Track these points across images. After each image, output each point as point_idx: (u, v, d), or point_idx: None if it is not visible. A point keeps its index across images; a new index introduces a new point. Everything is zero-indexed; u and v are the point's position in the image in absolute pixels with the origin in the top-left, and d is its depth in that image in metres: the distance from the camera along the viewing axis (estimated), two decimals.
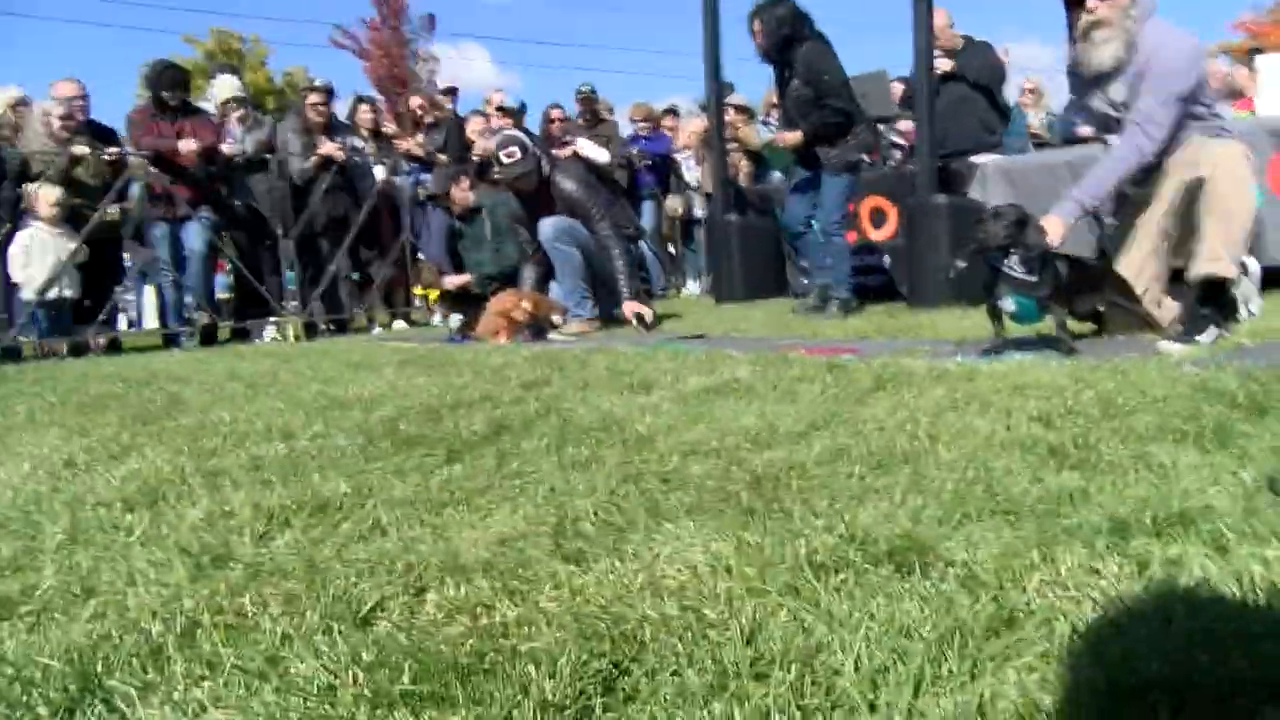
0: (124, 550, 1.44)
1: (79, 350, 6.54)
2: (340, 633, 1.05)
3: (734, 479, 1.63)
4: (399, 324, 7.80)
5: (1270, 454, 1.52)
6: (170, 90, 6.90)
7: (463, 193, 6.09)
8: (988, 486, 1.44)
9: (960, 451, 1.68)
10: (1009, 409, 2.02)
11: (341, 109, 8.22)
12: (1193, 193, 3.11)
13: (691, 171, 9.58)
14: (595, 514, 1.46)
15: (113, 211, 6.75)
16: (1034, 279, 3.16)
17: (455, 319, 5.86)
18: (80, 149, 6.57)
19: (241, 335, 7.32)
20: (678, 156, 9.59)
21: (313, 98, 7.43)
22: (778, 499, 1.48)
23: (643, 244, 8.97)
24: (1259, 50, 10.73)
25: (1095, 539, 1.17)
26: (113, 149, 6.90)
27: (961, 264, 3.51)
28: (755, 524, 1.34)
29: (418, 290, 6.13)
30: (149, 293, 9.55)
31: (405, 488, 1.72)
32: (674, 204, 9.53)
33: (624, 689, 0.88)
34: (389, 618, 1.10)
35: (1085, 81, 3.40)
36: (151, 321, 9.12)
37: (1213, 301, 3.14)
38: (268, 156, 7.15)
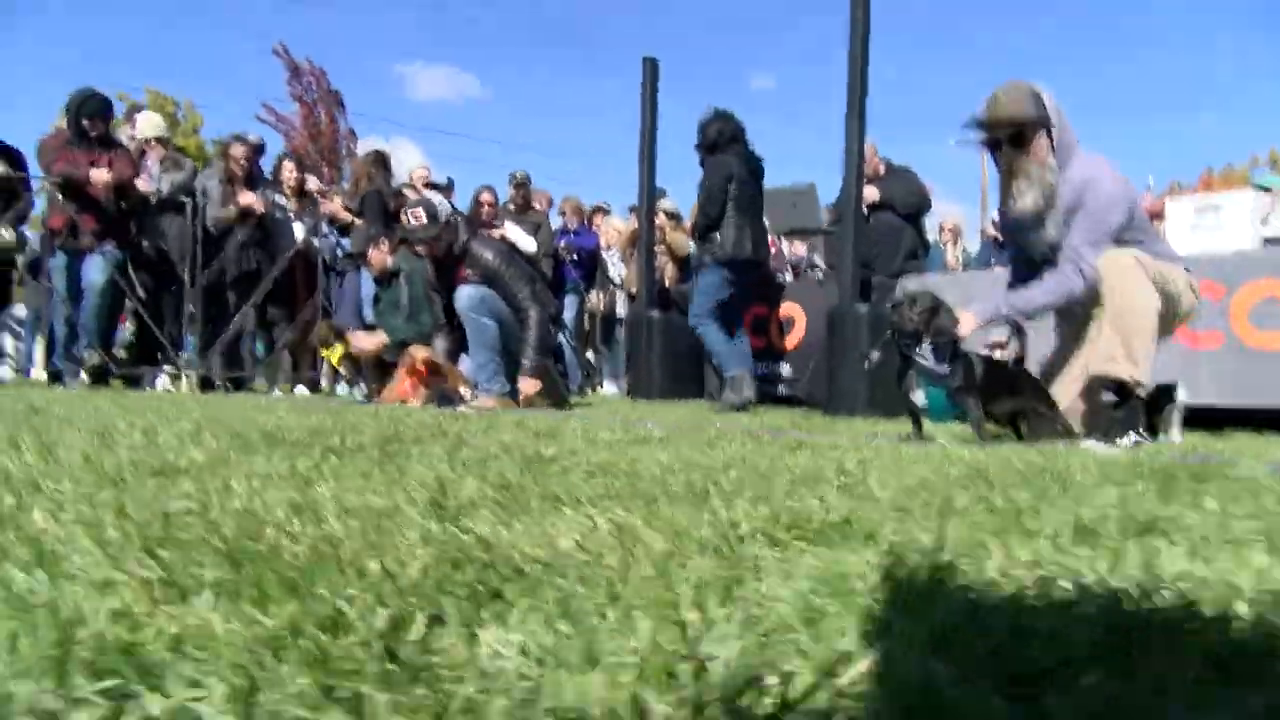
0: None
1: None
2: (140, 538, 0.83)
3: (645, 485, 1.45)
4: (300, 389, 7.47)
5: (1226, 499, 1.41)
6: (90, 119, 6.65)
7: (380, 255, 5.90)
8: (931, 497, 1.28)
9: (898, 480, 1.53)
10: (941, 463, 1.89)
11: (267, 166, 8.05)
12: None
13: (616, 268, 9.58)
14: (483, 496, 1.26)
15: (7, 236, 6.38)
16: (944, 369, 3.11)
17: (358, 390, 5.64)
18: None
19: (132, 382, 6.91)
20: (604, 254, 9.59)
21: (236, 149, 7.23)
22: (695, 498, 1.30)
23: (561, 338, 8.86)
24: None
25: (1058, 537, 1.02)
26: (16, 173, 6.58)
27: (876, 354, 3.44)
28: (669, 507, 1.16)
29: (323, 351, 5.84)
30: (39, 344, 9.03)
31: (269, 466, 1.49)
32: (597, 300, 9.49)
33: (491, 607, 0.68)
34: (206, 536, 0.87)
35: (1013, 224, 3.43)
36: (38, 368, 8.61)
37: (1128, 405, 3.10)
38: (183, 200, 6.88)
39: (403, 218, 5.72)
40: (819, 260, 8.18)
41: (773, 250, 8.88)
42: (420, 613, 0.61)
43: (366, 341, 5.70)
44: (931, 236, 9.05)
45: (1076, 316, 3.32)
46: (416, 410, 3.84)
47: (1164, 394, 3.51)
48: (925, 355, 3.16)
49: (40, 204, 6.84)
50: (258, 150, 7.63)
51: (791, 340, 6.51)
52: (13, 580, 0.69)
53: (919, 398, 3.23)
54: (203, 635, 0.55)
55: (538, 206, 9.30)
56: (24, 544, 0.82)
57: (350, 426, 2.59)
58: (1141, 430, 3.06)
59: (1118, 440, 2.96)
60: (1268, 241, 4.84)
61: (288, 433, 2.24)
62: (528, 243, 8.53)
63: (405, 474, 1.50)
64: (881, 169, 7.10)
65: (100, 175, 6.39)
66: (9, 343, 10.56)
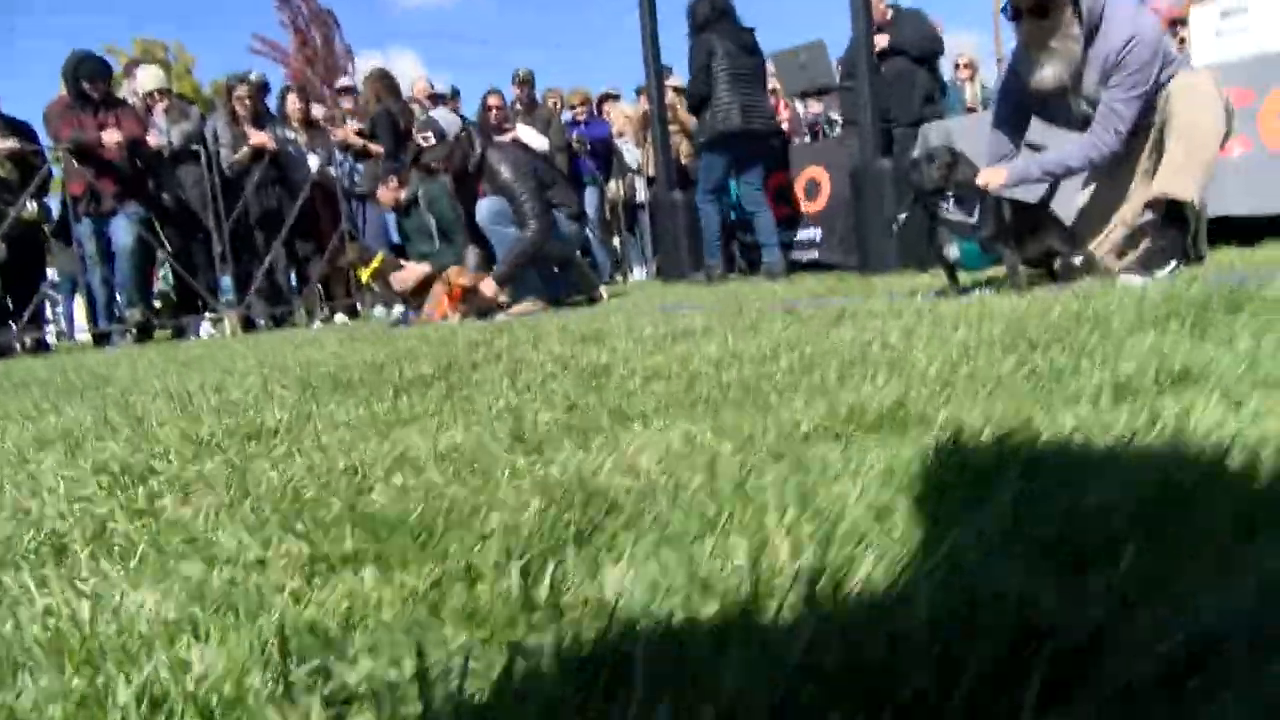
0: (34, 474, 1.29)
1: (2, 352, 6.26)
2: (273, 513, 0.93)
3: (702, 388, 1.53)
4: (340, 317, 7.60)
5: (1258, 332, 1.46)
6: (90, 81, 6.63)
7: (389, 192, 5.89)
8: (973, 371, 1.35)
9: (939, 349, 1.60)
10: (980, 322, 1.95)
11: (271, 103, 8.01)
12: (1161, 129, 3.11)
13: (631, 154, 9.50)
14: (555, 422, 1.35)
15: (30, 209, 6.46)
16: (972, 220, 3.13)
17: (395, 311, 5.73)
18: None
19: (178, 333, 7.07)
20: (617, 142, 9.50)
21: (240, 89, 7.19)
22: (753, 398, 1.38)
23: (587, 230, 8.87)
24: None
25: (1099, 398, 1.09)
26: (29, 146, 6.62)
27: (902, 215, 3.46)
28: (731, 413, 1.24)
29: (356, 271, 5.88)
30: (79, 304, 9.22)
31: (348, 414, 1.59)
32: (616, 188, 9.45)
33: (599, 541, 0.77)
34: (328, 501, 0.97)
35: (1033, 94, 3.37)
36: (83, 332, 8.81)
37: (1173, 228, 3.11)
38: (196, 149, 6.90)
39: (413, 139, 5.73)
40: (836, 116, 8.00)
41: (785, 114, 8.76)
42: (546, 558, 0.70)
43: (410, 275, 5.74)
44: (947, 76, 8.85)
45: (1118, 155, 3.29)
46: (460, 328, 3.92)
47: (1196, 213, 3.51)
48: (951, 210, 3.18)
49: (57, 171, 6.88)
50: (261, 88, 7.58)
51: (819, 203, 6.47)
52: (180, 570, 0.78)
53: (952, 251, 3.26)
54: (367, 606, 0.64)
55: (548, 103, 9.19)
56: (172, 532, 0.92)
57: (406, 356, 2.69)
58: (1180, 257, 3.07)
59: (1156, 272, 2.98)
60: None
61: (349, 372, 2.35)
62: (539, 141, 8.46)
63: (474, 405, 1.59)
64: (889, 14, 6.90)
65: (111, 136, 6.41)
66: (48, 310, 10.78)
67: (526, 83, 9.01)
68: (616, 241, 9.94)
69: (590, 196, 9.28)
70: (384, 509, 0.89)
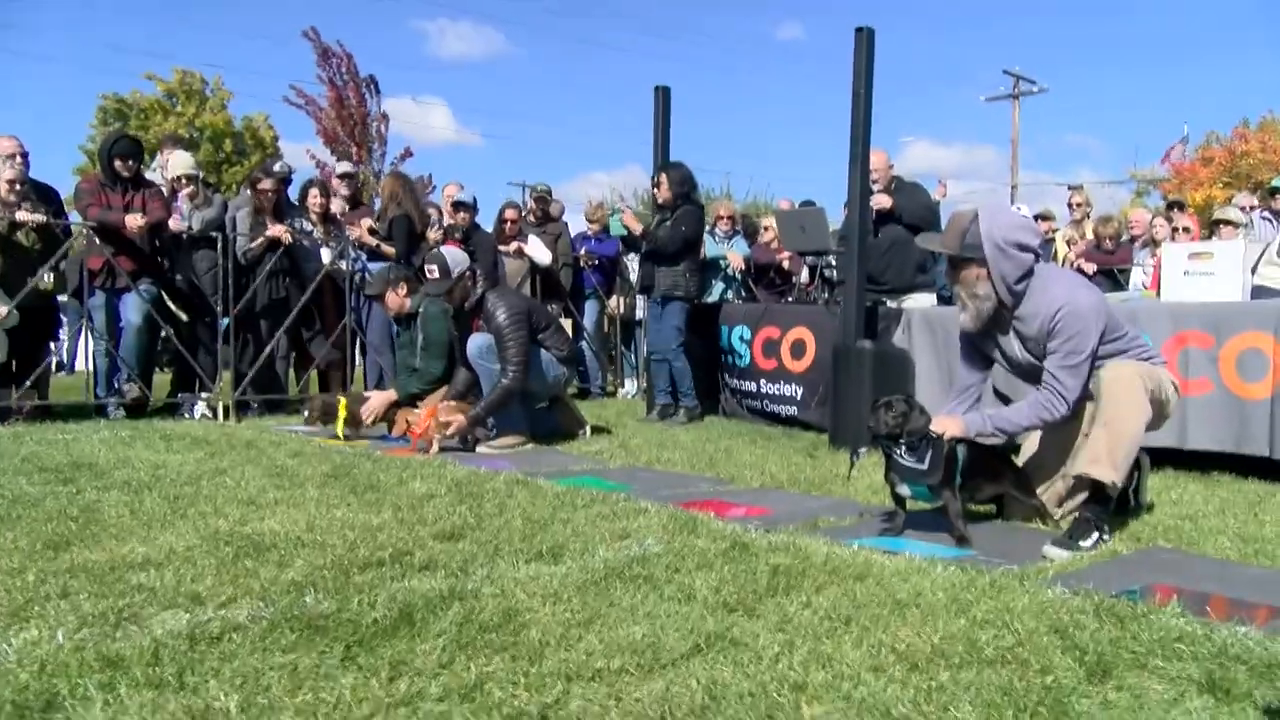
0: None
1: (2, 415, 6.45)
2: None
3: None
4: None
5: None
6: (123, 160, 6.94)
7: (398, 298, 6.14)
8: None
9: (822, 708, 1.80)
10: (880, 644, 2.15)
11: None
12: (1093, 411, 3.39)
13: (636, 273, 9.79)
14: None
15: (47, 281, 6.71)
16: (923, 466, 3.36)
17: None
18: (24, 215, 6.57)
19: (171, 409, 7.27)
20: (625, 260, 9.82)
21: (264, 183, 7.50)
22: None
23: (582, 343, 9.14)
24: (1179, 204, 11.36)
25: None
26: (55, 220, 6.90)
27: (863, 450, 3.70)
28: None
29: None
30: (83, 339, 9.43)
31: (298, 699, 1.79)
32: (616, 304, 9.74)
33: None
34: None
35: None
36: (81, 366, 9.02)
37: (1099, 502, 3.34)
38: (214, 235, 7.17)
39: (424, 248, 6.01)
40: (835, 262, 8.27)
41: (784, 256, 9.09)
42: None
43: (376, 405, 5.96)
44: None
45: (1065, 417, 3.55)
46: (436, 492, 4.11)
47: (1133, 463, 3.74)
48: (903, 455, 3.41)
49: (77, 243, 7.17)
50: (284, 181, 7.89)
51: (804, 363, 6.72)
52: None
53: (903, 490, 3.49)
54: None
55: (556, 216, 9.55)
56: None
57: (371, 554, 2.90)
58: (1104, 531, 3.29)
59: (1081, 542, 3.19)
60: (1257, 290, 4.99)
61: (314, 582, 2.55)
62: (544, 255, 8.81)
63: None
64: (891, 183, 7.24)
65: (134, 220, 6.69)
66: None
67: (542, 198, 9.42)
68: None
69: (590, 309, 9.58)
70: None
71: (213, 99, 30.84)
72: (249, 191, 7.73)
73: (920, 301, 7.00)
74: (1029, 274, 3.41)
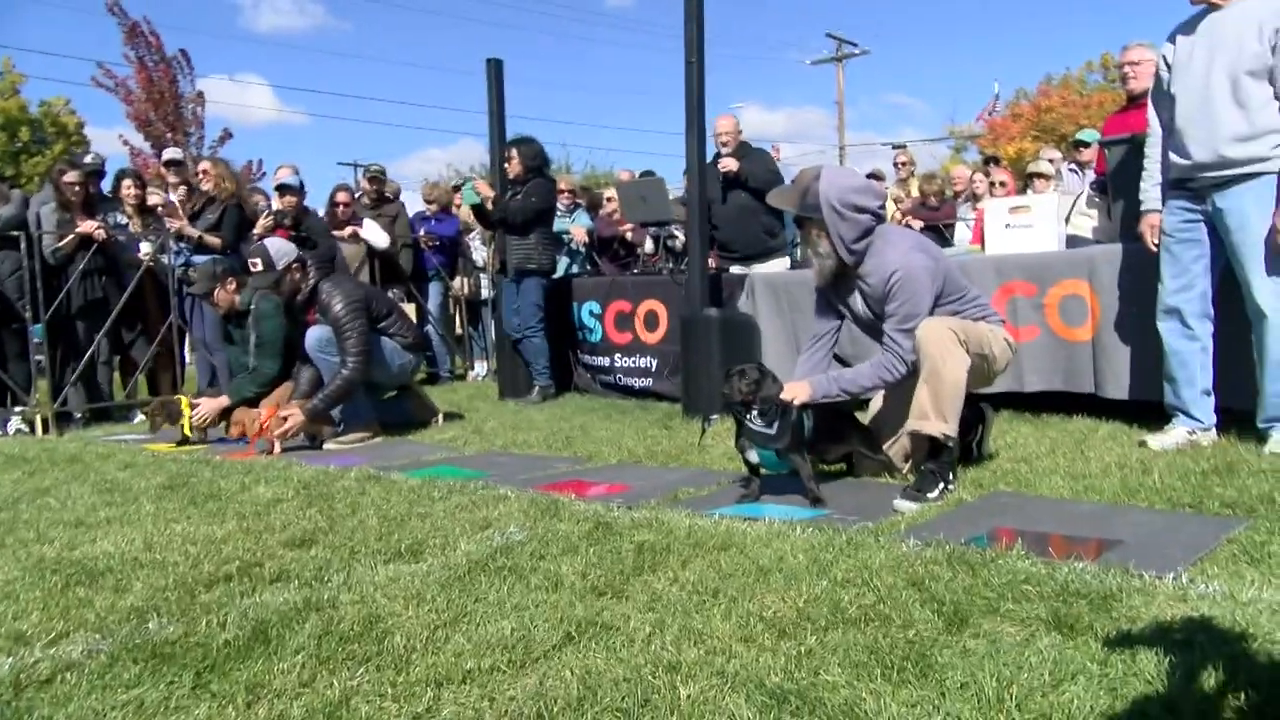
0: None
1: None
2: None
3: None
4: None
5: (959, 690, 1.73)
6: None
7: (227, 296, 5.76)
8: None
9: (698, 687, 1.80)
10: (748, 614, 2.18)
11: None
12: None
13: (478, 251, 9.63)
14: None
15: None
16: (772, 432, 3.44)
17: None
18: None
19: None
20: (466, 239, 9.62)
21: (69, 175, 6.94)
22: None
23: (428, 327, 8.93)
24: (995, 159, 11.98)
25: None
26: None
27: (714, 417, 3.75)
28: None
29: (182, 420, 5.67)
30: None
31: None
32: (460, 285, 9.53)
33: None
34: None
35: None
36: None
37: (939, 454, 3.48)
38: (15, 234, 6.61)
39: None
40: (678, 232, 8.29)
41: (627, 229, 9.10)
42: None
43: (207, 407, 5.64)
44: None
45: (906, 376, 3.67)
46: (282, 496, 3.92)
47: (976, 415, 3.92)
48: (755, 420, 3.47)
49: None
50: (94, 173, 7.34)
51: (657, 335, 6.75)
52: None
53: (752, 456, 3.56)
54: None
55: (391, 197, 9.25)
56: None
57: (217, 569, 2.74)
58: (947, 480, 3.43)
59: (928, 494, 3.32)
60: (1070, 240, 5.29)
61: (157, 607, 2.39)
62: (381, 239, 8.56)
63: None
64: (737, 145, 7.32)
65: None
66: None
67: (376, 178, 9.09)
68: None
69: (434, 291, 9.36)
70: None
71: (3, 82, 28.40)
72: (52, 186, 7.13)
73: (772, 267, 7.14)
74: (867, 233, 3.51)
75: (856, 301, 3.67)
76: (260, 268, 5.38)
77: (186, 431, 5.59)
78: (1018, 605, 2.18)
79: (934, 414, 3.40)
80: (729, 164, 7.03)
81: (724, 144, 7.30)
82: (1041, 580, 2.32)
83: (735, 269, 7.04)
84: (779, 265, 7.27)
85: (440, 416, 6.10)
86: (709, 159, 6.89)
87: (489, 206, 7.06)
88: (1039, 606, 2.16)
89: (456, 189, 10.23)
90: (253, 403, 5.65)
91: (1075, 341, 4.85)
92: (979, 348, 3.54)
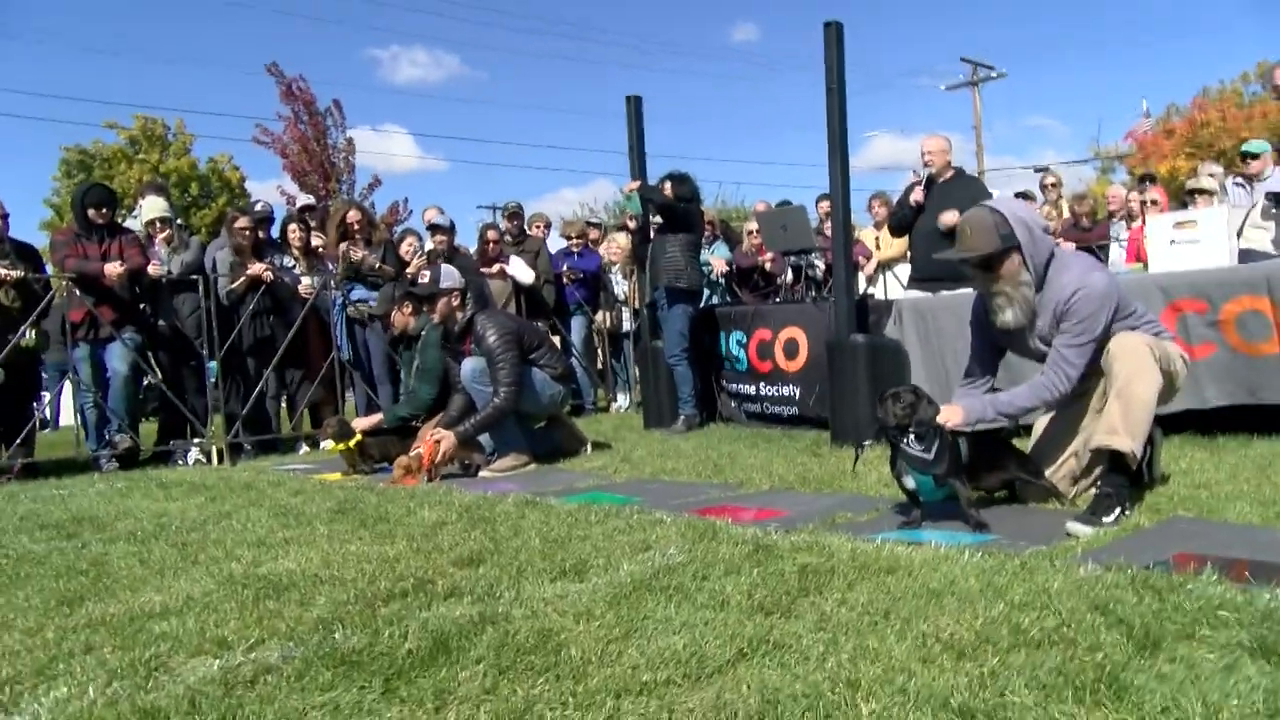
0: None
1: None
2: None
3: None
4: (326, 443, 7.71)
5: (1160, 715, 1.65)
6: (96, 209, 6.87)
7: (403, 317, 6.09)
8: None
9: (879, 704, 1.77)
10: (924, 635, 2.13)
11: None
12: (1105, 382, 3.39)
13: (620, 285, 9.79)
14: None
15: (29, 337, 6.63)
16: (929, 456, 3.36)
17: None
18: (1, 272, 6.49)
19: (163, 457, 7.18)
20: (608, 275, 9.79)
21: (240, 222, 7.45)
22: None
23: (572, 360, 9.11)
24: (1151, 176, 11.45)
25: None
26: (34, 275, 6.82)
27: (867, 443, 3.70)
28: None
29: (330, 448, 5.92)
30: (66, 390, 9.34)
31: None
32: (602, 319, 9.71)
33: None
34: None
35: (998, 331, 3.65)
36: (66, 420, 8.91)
37: (1118, 474, 3.33)
38: (194, 278, 7.10)
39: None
40: (818, 261, 8.22)
41: (767, 258, 9.10)
42: None
43: (361, 423, 5.91)
44: None
45: (1068, 396, 3.54)
46: (446, 519, 4.06)
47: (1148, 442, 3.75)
48: (911, 444, 3.41)
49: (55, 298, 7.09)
50: (263, 220, 7.84)
51: (799, 362, 6.70)
52: None
53: (909, 482, 3.48)
54: None
55: (532, 233, 9.52)
56: None
57: (393, 585, 2.86)
58: (1126, 504, 3.28)
59: (1104, 518, 3.18)
60: (1244, 254, 5.02)
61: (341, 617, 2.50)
62: (527, 274, 8.79)
63: None
64: (949, 172, 6.89)
65: (113, 269, 6.62)
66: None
67: (515, 215, 9.41)
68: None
69: (576, 324, 9.55)
70: None
71: (175, 143, 30.61)
72: (228, 234, 7.64)
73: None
74: (1051, 255, 3.44)
75: (1025, 334, 3.57)
76: (427, 279, 5.63)
77: (349, 446, 5.79)
78: (1215, 631, 2.06)
79: (1124, 430, 3.26)
80: (915, 194, 6.84)
81: (928, 164, 6.83)
82: (1239, 606, 2.19)
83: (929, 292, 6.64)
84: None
85: (589, 445, 6.20)
86: (922, 180, 6.77)
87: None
88: (1240, 633, 2.04)
89: (592, 225, 10.48)
90: (405, 429, 5.89)
91: (1259, 355, 4.59)
92: (1166, 364, 3.40)
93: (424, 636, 2.33)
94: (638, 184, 7.23)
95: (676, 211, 6.99)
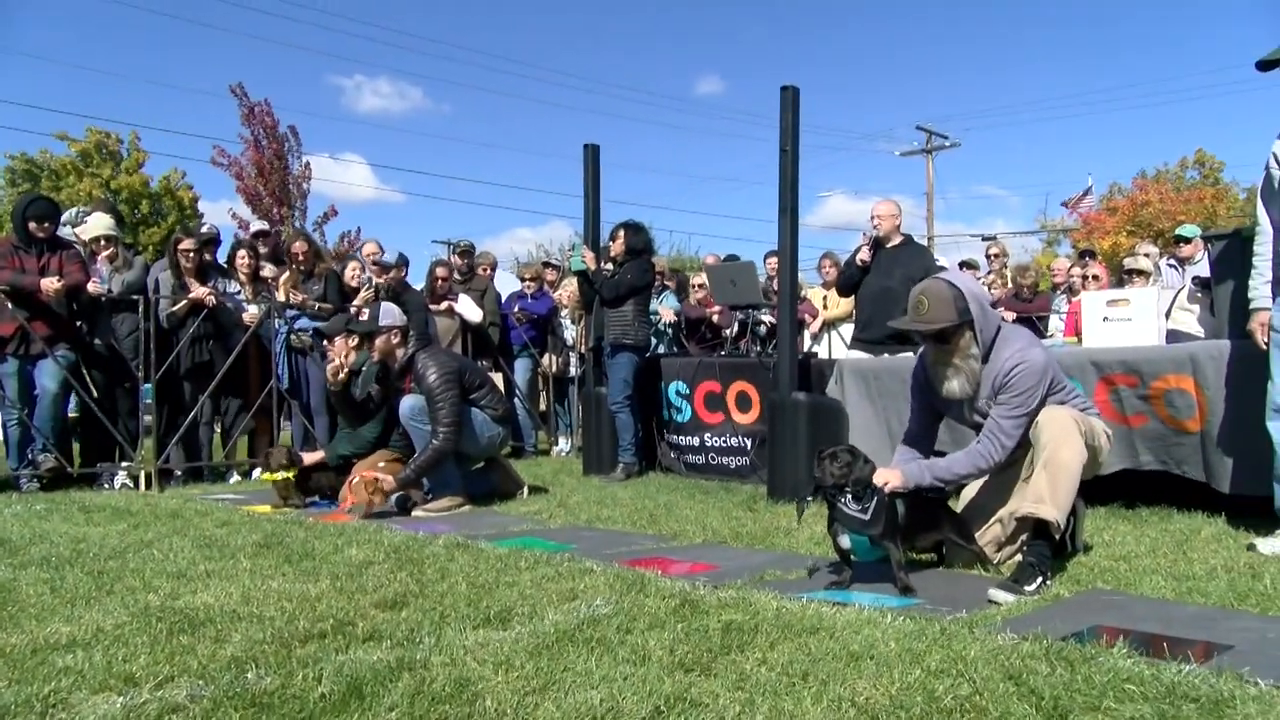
0: None
1: None
2: None
3: None
4: (257, 472, 7.57)
5: None
6: (38, 222, 6.72)
7: (345, 345, 5.99)
8: None
9: None
10: (839, 698, 2.14)
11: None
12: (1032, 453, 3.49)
13: (569, 330, 9.79)
14: None
15: None
16: (866, 516, 3.40)
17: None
18: None
19: (88, 480, 6.99)
20: (558, 317, 9.80)
21: (185, 244, 7.34)
22: None
23: (515, 401, 9.07)
24: (1091, 252, 11.81)
25: None
26: None
27: (809, 500, 3.73)
28: None
29: (265, 476, 5.82)
30: None
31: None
32: (548, 361, 9.69)
33: None
34: None
35: (942, 401, 3.76)
36: None
37: (1042, 542, 3.40)
38: (136, 298, 6.97)
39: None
40: (764, 317, 8.28)
41: (714, 310, 9.19)
42: None
43: (306, 459, 5.83)
44: None
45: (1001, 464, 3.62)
46: (374, 559, 4.00)
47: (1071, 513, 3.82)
48: (848, 504, 3.44)
49: None
50: (209, 242, 7.74)
51: (750, 416, 6.73)
52: None
53: (844, 541, 3.50)
54: None
55: (481, 272, 9.52)
56: None
57: (312, 626, 2.80)
58: (1047, 574, 3.34)
59: (1026, 586, 3.24)
60: (1171, 334, 5.18)
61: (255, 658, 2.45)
62: (475, 313, 8.78)
63: None
64: (898, 238, 6.92)
65: (50, 284, 6.47)
66: None
67: (466, 253, 9.42)
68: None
69: (521, 366, 9.53)
70: None
71: (128, 160, 30.15)
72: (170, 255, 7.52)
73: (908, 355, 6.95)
74: (998, 332, 3.55)
75: (963, 405, 3.67)
76: (365, 315, 5.61)
77: (288, 476, 5.70)
78: (1120, 704, 2.10)
79: (1050, 500, 3.36)
80: (863, 255, 6.87)
81: (876, 227, 6.87)
82: (1146, 681, 2.23)
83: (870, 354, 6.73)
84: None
85: (525, 489, 6.16)
86: (870, 242, 6.85)
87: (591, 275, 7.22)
88: (1144, 707, 2.08)
89: (547, 266, 10.51)
90: (346, 466, 5.81)
91: (1185, 431, 4.72)
92: (1091, 439, 3.52)
93: (338, 680, 2.29)
94: (590, 257, 7.25)
95: (620, 291, 7.04)
